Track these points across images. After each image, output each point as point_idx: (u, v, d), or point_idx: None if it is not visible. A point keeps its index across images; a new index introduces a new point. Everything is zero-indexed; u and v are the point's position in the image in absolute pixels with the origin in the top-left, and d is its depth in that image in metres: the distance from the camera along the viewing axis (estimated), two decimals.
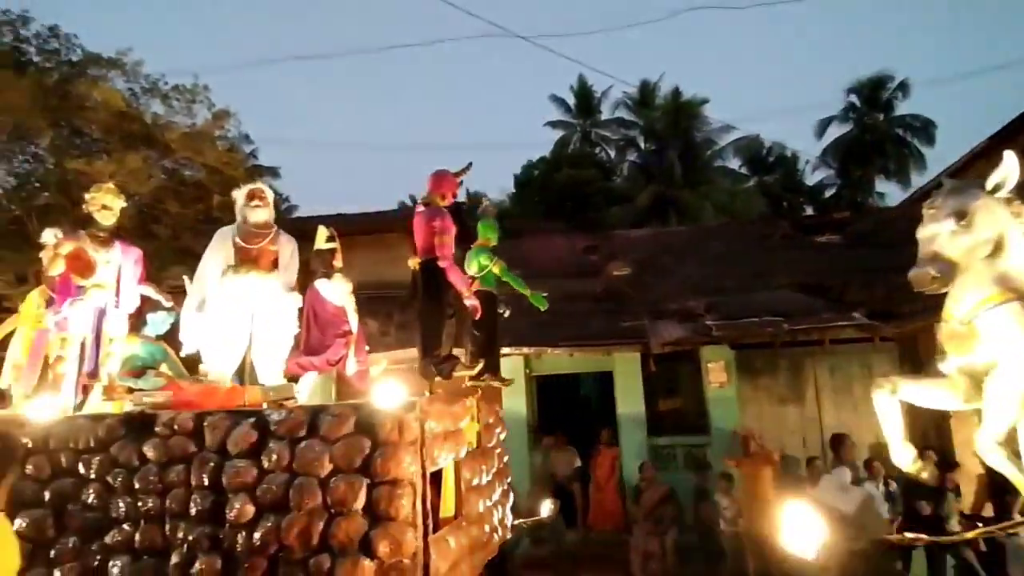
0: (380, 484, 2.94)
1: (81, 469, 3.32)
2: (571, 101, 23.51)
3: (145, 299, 4.47)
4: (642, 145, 22.79)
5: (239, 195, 4.01)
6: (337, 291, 4.36)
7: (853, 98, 21.62)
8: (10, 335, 4.76)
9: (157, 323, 4.60)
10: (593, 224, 16.68)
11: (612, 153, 23.72)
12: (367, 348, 4.72)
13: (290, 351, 4.10)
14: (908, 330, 7.28)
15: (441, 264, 3.81)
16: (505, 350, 7.87)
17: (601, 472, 7.80)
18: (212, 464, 3.13)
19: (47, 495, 3.32)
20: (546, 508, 4.56)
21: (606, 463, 7.81)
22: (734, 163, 22.26)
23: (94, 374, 3.98)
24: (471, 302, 3.89)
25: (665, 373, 8.07)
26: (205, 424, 3.24)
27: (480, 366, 3.94)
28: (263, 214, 3.97)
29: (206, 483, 3.12)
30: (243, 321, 3.85)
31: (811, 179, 22.50)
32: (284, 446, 3.10)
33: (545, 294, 4.87)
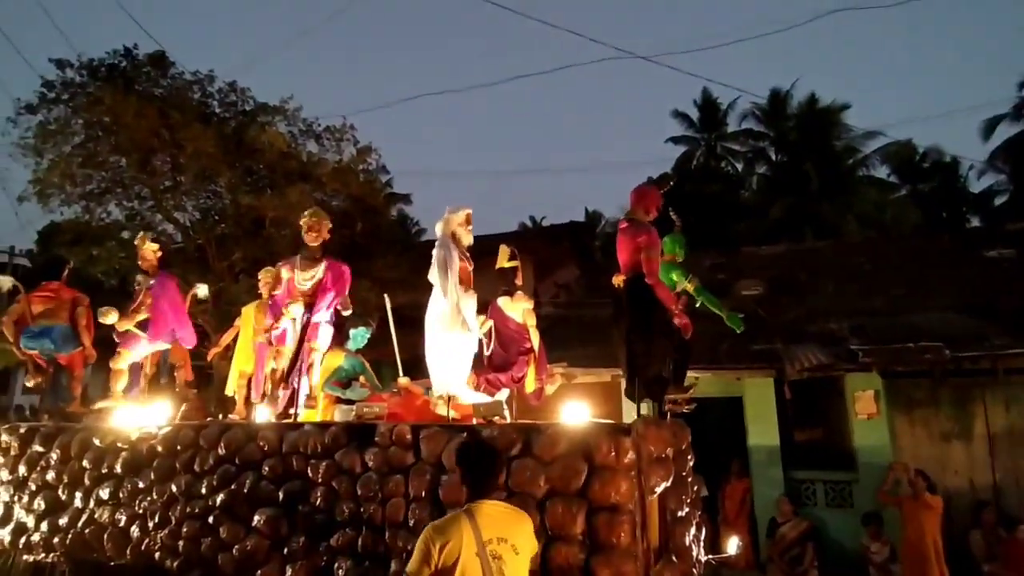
0: (599, 509, 2.84)
1: (309, 473, 3.57)
2: (695, 115, 22.88)
3: (348, 315, 4.84)
4: (773, 157, 21.56)
5: (456, 216, 4.09)
6: (518, 309, 4.41)
7: None
8: (232, 345, 5.54)
9: (358, 337, 5.00)
10: (719, 240, 16.01)
11: (739, 166, 22.68)
12: (548, 366, 4.69)
13: (476, 368, 4.19)
14: None
15: (648, 281, 3.60)
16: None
17: (731, 504, 7.42)
18: (428, 476, 3.21)
19: (280, 495, 3.62)
20: (733, 545, 4.32)
21: (736, 495, 7.42)
22: (882, 172, 20.32)
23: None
24: (681, 320, 3.66)
25: (803, 401, 7.54)
26: (421, 437, 3.33)
27: (691, 390, 3.71)
28: (472, 237, 4.14)
29: (423, 495, 3.20)
30: (474, 339, 3.99)
31: (976, 186, 19.94)
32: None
33: (742, 315, 4.58)
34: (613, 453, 2.90)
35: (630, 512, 2.82)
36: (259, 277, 5.42)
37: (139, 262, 5.34)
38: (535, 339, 4.44)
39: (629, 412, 7.52)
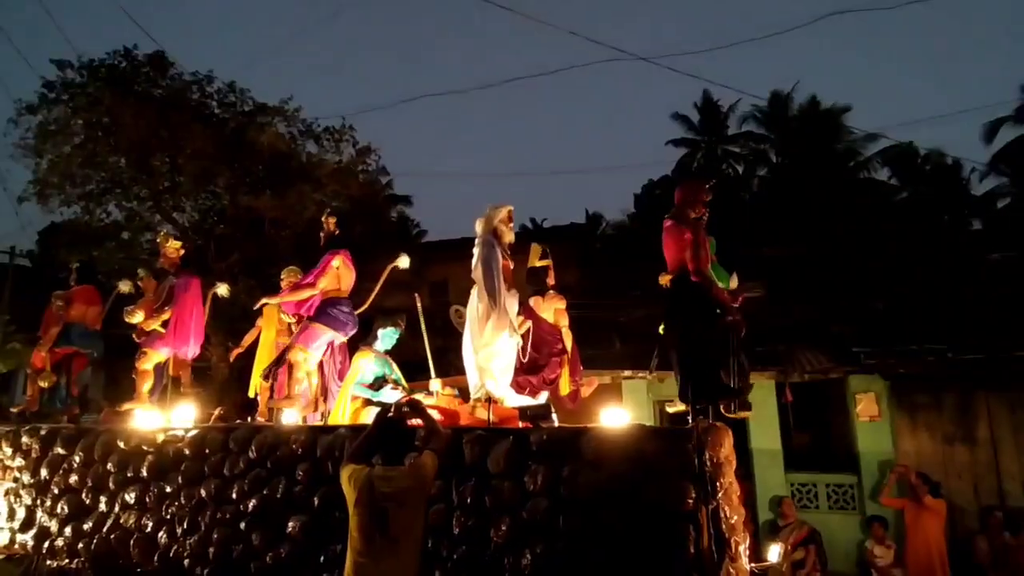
0: (659, 516, 2.70)
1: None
2: (695, 118, 22.88)
3: (376, 315, 4.76)
4: (774, 159, 21.53)
5: (498, 213, 3.95)
6: (550, 309, 4.26)
7: None
8: (254, 347, 5.41)
9: (386, 337, 4.78)
10: (720, 242, 15.91)
11: (740, 169, 22.65)
12: (581, 367, 4.56)
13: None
14: None
15: (694, 279, 3.41)
16: (625, 373, 7.77)
17: None
18: (473, 482, 3.06)
19: (315, 501, 3.47)
20: (774, 553, 4.16)
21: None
22: (882, 174, 20.28)
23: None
24: (734, 318, 3.46)
25: (805, 403, 7.48)
26: (464, 441, 3.15)
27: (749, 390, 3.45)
28: (513, 235, 4.00)
29: (468, 501, 3.04)
30: (517, 340, 3.82)
31: (978, 189, 19.89)
32: (547, 468, 2.93)
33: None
34: (673, 458, 2.78)
35: (692, 519, 2.70)
36: (282, 276, 5.29)
37: (160, 260, 5.26)
38: (568, 340, 4.28)
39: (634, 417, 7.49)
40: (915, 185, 20.25)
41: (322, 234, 4.72)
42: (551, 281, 4.38)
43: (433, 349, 4.67)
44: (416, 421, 3.04)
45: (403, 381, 4.75)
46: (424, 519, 2.65)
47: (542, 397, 4.06)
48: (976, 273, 9.54)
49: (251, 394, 5.28)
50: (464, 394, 4.33)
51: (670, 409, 3.68)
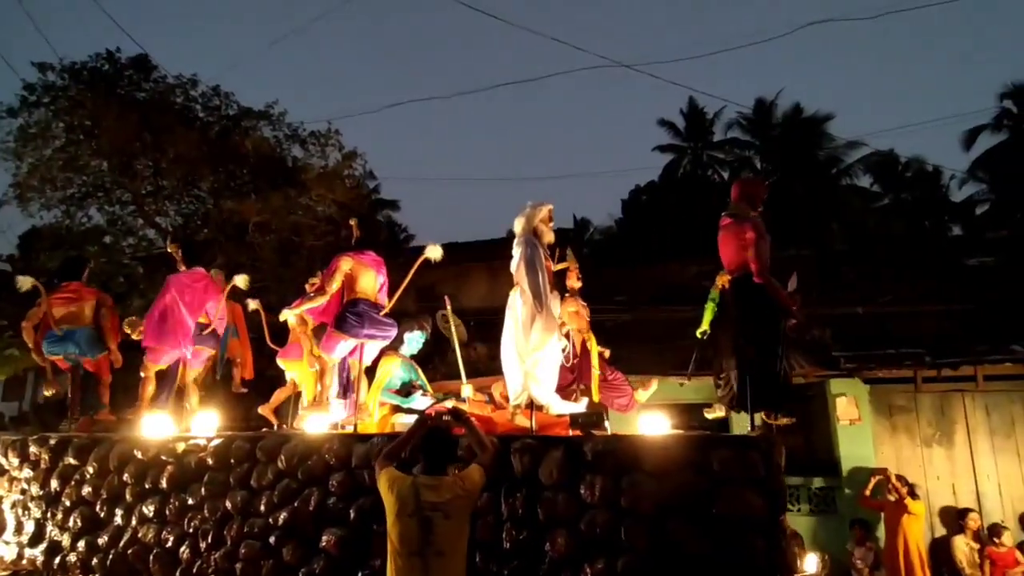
0: (727, 529, 2.59)
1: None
2: (681, 125, 23.10)
3: (401, 319, 4.59)
4: (759, 166, 21.78)
5: (539, 212, 3.78)
6: (565, 312, 4.16)
7: (1008, 104, 19.31)
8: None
9: (413, 342, 4.69)
10: (705, 248, 16.04)
11: (726, 175, 22.88)
12: (598, 372, 4.43)
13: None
14: None
15: (757, 279, 3.26)
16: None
17: None
18: (523, 492, 2.92)
19: (352, 513, 3.30)
20: (812, 563, 4.07)
21: None
22: (864, 181, 20.59)
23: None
24: (799, 319, 3.37)
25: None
26: (512, 450, 3.00)
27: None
28: (552, 235, 3.83)
29: (519, 512, 2.89)
30: (560, 344, 3.68)
31: (958, 195, 20.25)
32: (604, 478, 2.81)
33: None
34: (741, 467, 2.67)
35: (762, 530, 2.59)
36: (311, 281, 5.09)
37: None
38: (578, 342, 4.20)
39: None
40: (896, 192, 20.59)
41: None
42: (577, 284, 4.31)
43: (432, 353, 4.63)
44: (459, 429, 2.92)
45: (428, 387, 4.63)
46: (470, 533, 2.55)
47: (583, 403, 3.94)
48: (955, 279, 9.68)
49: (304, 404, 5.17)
50: (493, 400, 4.27)
51: (709, 415, 3.55)
